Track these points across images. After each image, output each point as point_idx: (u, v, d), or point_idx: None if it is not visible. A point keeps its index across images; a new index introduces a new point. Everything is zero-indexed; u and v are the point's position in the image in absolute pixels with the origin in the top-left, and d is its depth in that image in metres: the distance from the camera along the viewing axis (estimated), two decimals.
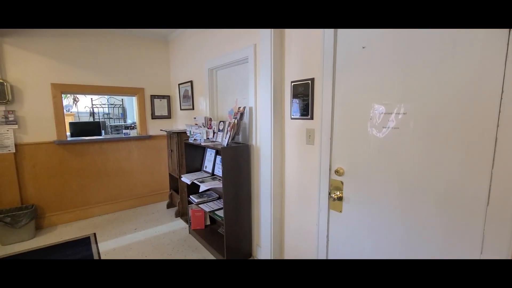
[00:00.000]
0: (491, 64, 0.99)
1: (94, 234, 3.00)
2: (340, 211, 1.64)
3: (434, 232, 1.21)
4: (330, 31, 1.56)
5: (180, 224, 3.28)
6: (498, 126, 0.99)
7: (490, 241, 1.04)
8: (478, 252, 1.08)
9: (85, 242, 2.81)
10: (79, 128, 4.76)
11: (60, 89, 3.14)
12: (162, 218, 3.47)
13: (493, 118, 1.00)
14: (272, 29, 1.89)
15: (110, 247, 2.72)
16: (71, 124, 4.75)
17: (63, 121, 3.20)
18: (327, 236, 1.74)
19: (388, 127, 1.34)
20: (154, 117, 3.89)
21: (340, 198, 1.63)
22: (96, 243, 2.81)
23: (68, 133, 4.08)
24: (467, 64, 1.06)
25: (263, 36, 1.97)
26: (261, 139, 2.12)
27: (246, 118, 2.41)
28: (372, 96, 1.40)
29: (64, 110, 3.30)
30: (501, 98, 0.97)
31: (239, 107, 2.38)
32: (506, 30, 0.95)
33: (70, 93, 4.28)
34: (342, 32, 1.52)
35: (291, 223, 2.08)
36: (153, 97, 3.83)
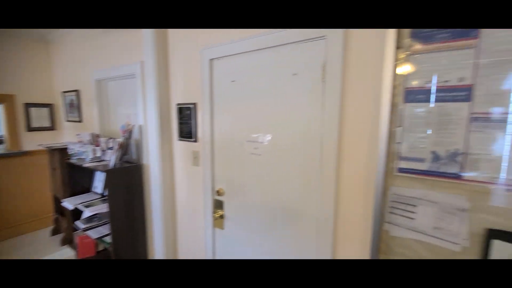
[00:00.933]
0: (315, 113, 1.26)
1: None
2: (223, 229, 1.76)
3: (288, 245, 1.45)
4: (206, 63, 1.66)
5: (67, 253, 2.87)
6: (320, 159, 1.26)
7: (321, 248, 1.31)
8: (315, 255, 1.35)
9: None
10: None
11: None
12: (44, 248, 2.96)
13: (318, 153, 1.26)
14: (155, 47, 1.87)
15: None
16: None
17: None
18: (213, 252, 1.84)
19: (254, 154, 1.52)
20: (30, 129, 3.27)
21: (222, 216, 1.75)
22: None
23: None
24: (303, 108, 1.30)
25: (147, 53, 1.92)
26: (151, 159, 2.07)
27: (138, 136, 2.30)
28: (241, 126, 1.57)
29: None
30: (321, 135, 1.24)
31: (129, 125, 2.26)
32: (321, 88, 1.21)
33: None
34: (217, 64, 1.64)
35: (184, 242, 2.10)
36: (28, 105, 3.22)
